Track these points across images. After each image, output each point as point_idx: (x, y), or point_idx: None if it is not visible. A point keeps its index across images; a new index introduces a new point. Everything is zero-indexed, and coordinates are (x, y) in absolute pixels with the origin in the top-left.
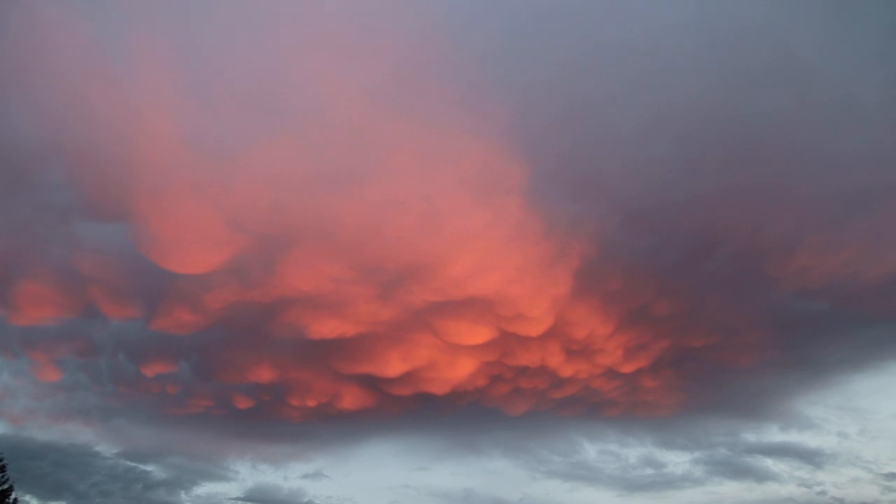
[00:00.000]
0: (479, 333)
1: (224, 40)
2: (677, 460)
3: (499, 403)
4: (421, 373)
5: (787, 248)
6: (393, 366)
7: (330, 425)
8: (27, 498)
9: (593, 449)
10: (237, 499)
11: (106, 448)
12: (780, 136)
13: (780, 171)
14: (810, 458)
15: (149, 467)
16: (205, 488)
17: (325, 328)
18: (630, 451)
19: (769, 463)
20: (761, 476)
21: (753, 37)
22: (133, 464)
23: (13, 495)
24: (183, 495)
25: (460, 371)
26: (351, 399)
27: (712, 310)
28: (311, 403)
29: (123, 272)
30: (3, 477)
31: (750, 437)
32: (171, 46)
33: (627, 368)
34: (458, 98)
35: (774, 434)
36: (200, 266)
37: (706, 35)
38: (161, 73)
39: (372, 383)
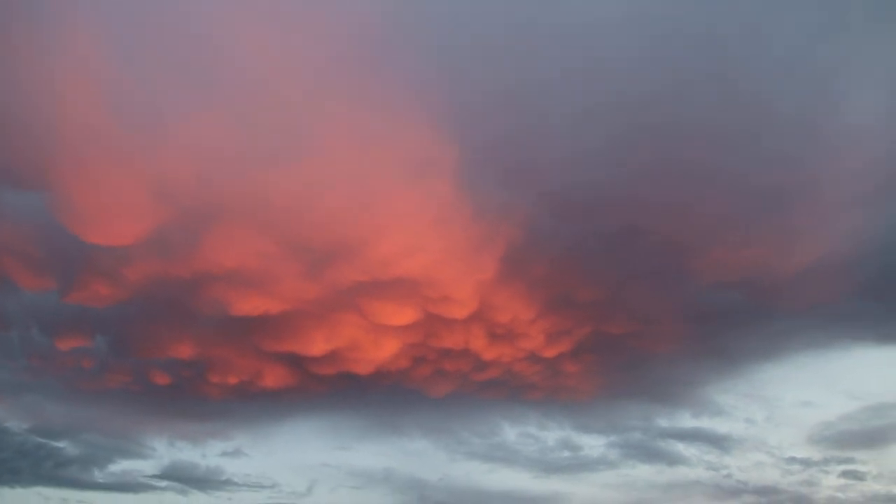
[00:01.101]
0: (404, 314)
1: (157, 5)
2: (593, 443)
3: (421, 385)
4: (345, 352)
5: (705, 241)
6: (317, 345)
7: (251, 403)
8: None
9: (513, 431)
10: (153, 476)
11: (15, 424)
12: (704, 136)
13: (703, 168)
14: (719, 443)
15: (61, 444)
16: (119, 466)
17: (249, 305)
18: (549, 434)
19: (680, 447)
20: (672, 460)
21: (687, 37)
22: (44, 440)
23: None
24: (96, 473)
25: (384, 352)
26: (273, 377)
27: (633, 299)
28: (233, 381)
29: (38, 242)
30: None
31: (663, 422)
32: (98, 8)
33: (549, 353)
34: (392, 77)
35: (686, 420)
36: (121, 237)
37: (641, 32)
38: (85, 36)
39: (295, 362)
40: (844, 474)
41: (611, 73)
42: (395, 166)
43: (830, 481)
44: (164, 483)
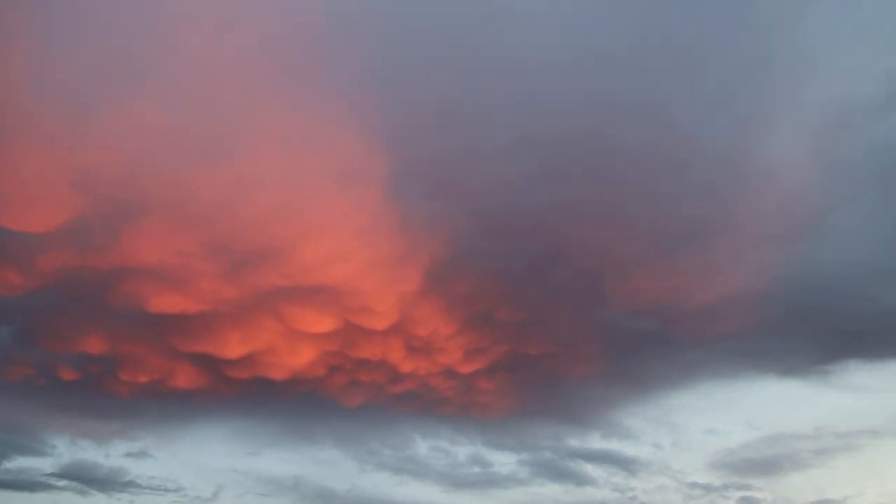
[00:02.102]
0: (323, 322)
1: None
2: (504, 460)
3: (336, 394)
4: (260, 357)
5: (626, 269)
6: (232, 347)
7: (160, 403)
8: None
9: (425, 445)
10: (51, 475)
11: None
12: (632, 166)
13: (628, 197)
14: (626, 465)
15: None
16: (15, 463)
17: (166, 303)
18: (460, 450)
19: (589, 468)
20: (581, 480)
21: (621, 72)
22: None
23: None
24: None
25: (301, 358)
26: (185, 378)
27: (551, 321)
28: (143, 379)
29: None
30: None
31: (574, 442)
32: None
33: (465, 369)
34: (329, 84)
35: (596, 441)
36: (36, 224)
37: (578, 66)
38: (14, 11)
39: (209, 364)
40: (742, 500)
41: (547, 103)
42: (324, 173)
43: None
44: (62, 482)
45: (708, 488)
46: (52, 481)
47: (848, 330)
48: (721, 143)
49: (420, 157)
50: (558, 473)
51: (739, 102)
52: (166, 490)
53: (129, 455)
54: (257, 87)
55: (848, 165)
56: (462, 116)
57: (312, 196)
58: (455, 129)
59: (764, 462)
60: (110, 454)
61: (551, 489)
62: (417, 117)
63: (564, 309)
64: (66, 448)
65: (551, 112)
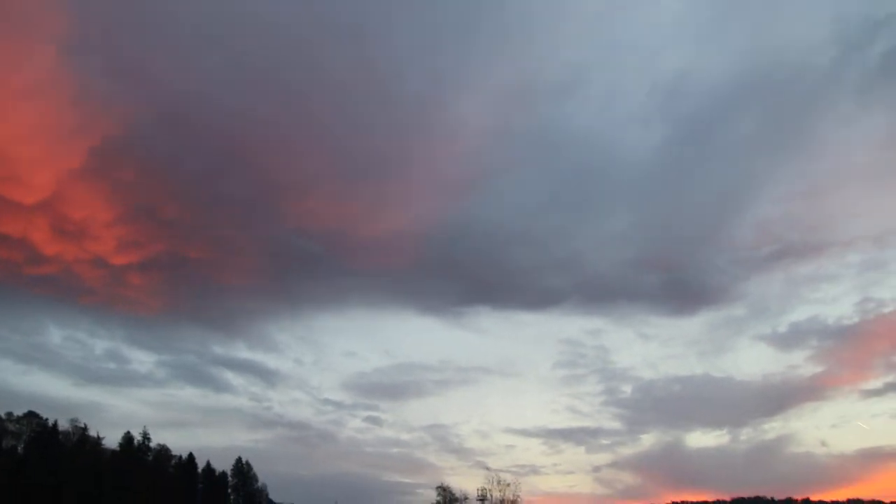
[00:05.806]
0: None
1: None
2: (144, 359)
3: None
4: None
5: (302, 188)
6: None
7: None
8: None
9: (59, 334)
10: None
11: None
12: (332, 88)
13: (320, 118)
14: (267, 376)
15: None
16: None
17: None
18: (98, 343)
19: (230, 376)
20: (220, 386)
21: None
22: None
23: None
24: None
25: None
26: None
27: (217, 226)
28: None
29: None
30: None
31: (219, 349)
32: None
33: (117, 261)
34: None
35: (241, 350)
36: None
37: None
38: None
39: None
40: (367, 419)
41: (254, 7)
42: None
43: (355, 423)
44: None
45: (339, 405)
46: None
47: (484, 280)
48: (417, 91)
49: (106, 27)
50: (198, 378)
51: (438, 58)
52: None
53: None
54: None
55: (519, 137)
56: None
57: None
58: (148, 5)
59: (392, 387)
60: None
61: (189, 392)
62: None
63: (232, 216)
64: None
65: (255, 15)
